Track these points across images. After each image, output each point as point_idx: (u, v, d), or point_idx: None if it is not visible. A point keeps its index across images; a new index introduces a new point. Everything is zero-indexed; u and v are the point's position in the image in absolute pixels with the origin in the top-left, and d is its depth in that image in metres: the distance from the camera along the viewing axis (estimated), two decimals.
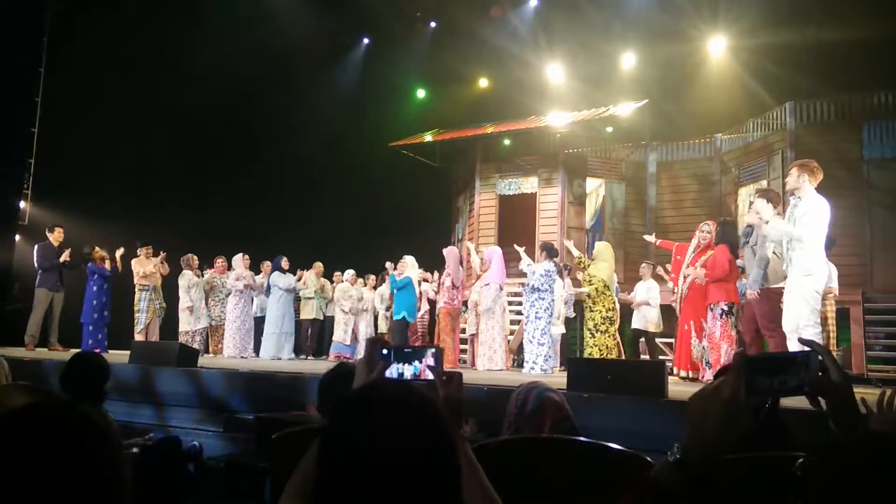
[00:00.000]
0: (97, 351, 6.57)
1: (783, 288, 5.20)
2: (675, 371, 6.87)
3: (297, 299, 10.74)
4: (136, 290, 9.52)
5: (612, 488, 1.25)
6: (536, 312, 7.83)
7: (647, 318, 9.00)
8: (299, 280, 10.46)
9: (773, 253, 5.68)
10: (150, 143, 11.69)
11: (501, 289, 8.73)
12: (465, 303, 9.69)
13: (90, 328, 9.06)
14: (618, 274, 9.56)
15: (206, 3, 11.95)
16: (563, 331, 9.56)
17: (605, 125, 13.33)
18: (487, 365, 8.16)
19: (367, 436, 0.90)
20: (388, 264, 9.73)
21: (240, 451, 4.62)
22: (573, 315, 10.04)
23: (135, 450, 3.45)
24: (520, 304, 10.29)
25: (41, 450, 0.93)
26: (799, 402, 1.10)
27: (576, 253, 8.66)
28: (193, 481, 4.16)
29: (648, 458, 1.76)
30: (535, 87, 14.31)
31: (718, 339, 6.28)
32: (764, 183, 11.18)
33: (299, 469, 1.15)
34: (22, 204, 10.96)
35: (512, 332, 9.89)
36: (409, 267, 9.28)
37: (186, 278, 9.96)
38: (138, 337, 9.20)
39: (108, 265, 9.20)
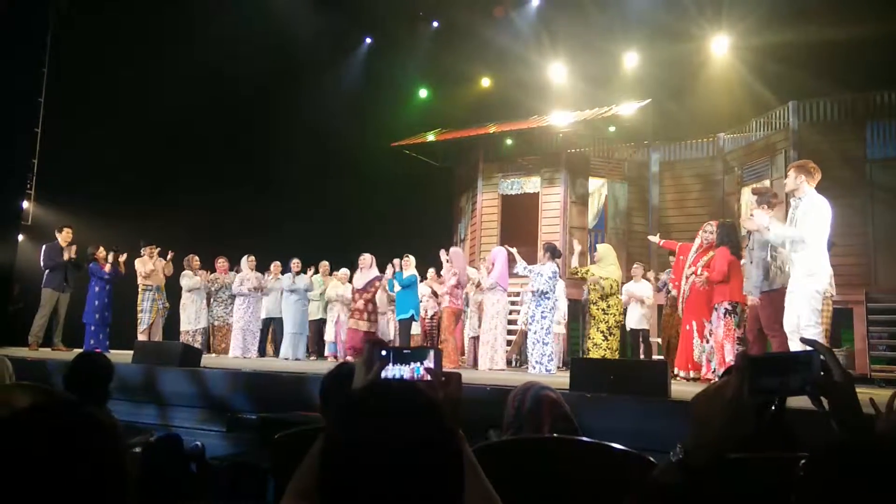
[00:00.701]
0: (98, 351, 6.58)
1: (786, 289, 5.19)
2: (675, 371, 6.86)
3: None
4: (140, 289, 9.56)
5: (614, 488, 1.26)
6: (542, 312, 7.81)
7: (644, 318, 9.07)
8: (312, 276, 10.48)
9: (772, 256, 5.67)
10: (153, 142, 11.72)
11: (505, 290, 8.72)
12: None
13: (92, 328, 9.09)
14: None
15: (208, 3, 11.97)
16: (564, 331, 9.57)
17: (607, 125, 13.32)
18: (489, 365, 8.17)
19: (370, 436, 0.90)
20: (394, 261, 9.73)
21: (243, 451, 4.62)
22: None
23: (137, 449, 3.45)
24: (518, 304, 10.29)
25: (48, 450, 0.93)
26: (804, 402, 1.10)
27: (574, 263, 8.55)
28: (196, 481, 4.17)
29: (651, 459, 1.77)
30: (538, 87, 14.31)
31: (722, 338, 6.28)
32: (767, 182, 11.16)
33: (301, 469, 1.16)
34: (25, 204, 10.98)
35: (511, 333, 9.89)
36: (412, 266, 9.30)
37: (186, 278, 10.00)
38: (141, 337, 9.24)
39: (108, 267, 9.22)
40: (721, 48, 12.79)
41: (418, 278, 9.37)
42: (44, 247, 9.07)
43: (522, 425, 2.06)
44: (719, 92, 12.55)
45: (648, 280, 9.46)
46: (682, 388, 4.89)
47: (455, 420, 1.30)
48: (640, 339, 9.27)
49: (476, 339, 9.23)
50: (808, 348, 1.09)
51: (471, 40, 14.30)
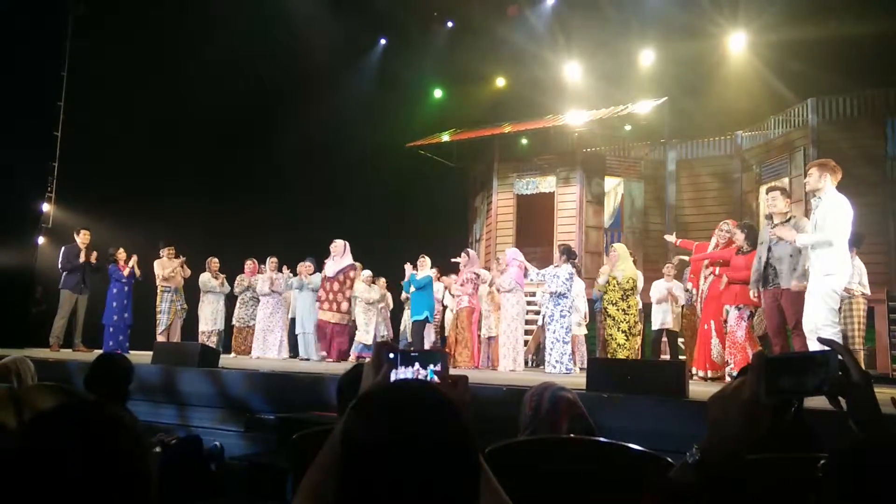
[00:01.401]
0: (118, 352, 6.65)
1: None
2: (693, 371, 6.81)
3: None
4: (158, 291, 9.65)
5: (631, 489, 1.26)
6: (561, 311, 7.78)
7: (675, 317, 8.97)
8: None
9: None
10: (172, 144, 11.83)
11: (522, 288, 8.68)
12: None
13: (111, 329, 9.18)
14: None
15: (224, 4, 12.05)
16: (585, 332, 9.51)
17: (623, 123, 13.27)
18: (511, 366, 8.12)
19: (387, 435, 0.90)
20: (407, 266, 9.73)
21: (261, 451, 4.66)
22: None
23: (157, 449, 3.50)
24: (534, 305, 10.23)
25: (73, 450, 0.95)
26: (822, 402, 1.10)
27: (601, 281, 8.14)
28: (215, 480, 4.21)
29: (668, 459, 1.76)
30: (553, 86, 14.28)
31: (743, 339, 6.21)
32: (786, 181, 11.05)
33: (313, 468, 1.16)
34: (45, 206, 11.12)
35: (528, 334, 9.86)
36: (427, 267, 9.28)
37: (204, 280, 10.08)
38: (160, 338, 9.32)
39: (126, 271, 9.31)
40: (738, 45, 12.68)
41: (435, 276, 9.33)
42: (62, 249, 9.19)
43: (539, 426, 2.06)
44: (736, 89, 12.44)
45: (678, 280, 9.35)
46: (699, 388, 4.86)
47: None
48: (666, 339, 9.14)
49: (490, 339, 9.21)
50: (826, 348, 1.08)
51: (485, 40, 14.30)
